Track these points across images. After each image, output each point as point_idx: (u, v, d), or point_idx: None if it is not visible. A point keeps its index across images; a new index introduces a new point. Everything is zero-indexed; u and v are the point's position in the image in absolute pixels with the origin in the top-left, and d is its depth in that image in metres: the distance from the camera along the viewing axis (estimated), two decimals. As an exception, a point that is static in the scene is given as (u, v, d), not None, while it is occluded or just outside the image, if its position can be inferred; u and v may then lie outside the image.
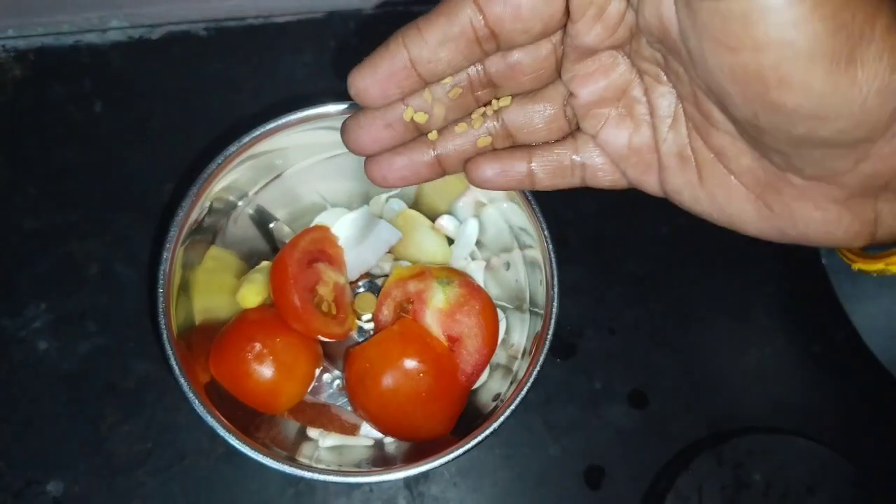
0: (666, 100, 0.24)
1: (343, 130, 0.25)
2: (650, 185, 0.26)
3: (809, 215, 0.22)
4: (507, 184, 0.27)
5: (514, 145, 0.27)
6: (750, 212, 0.24)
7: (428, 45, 0.23)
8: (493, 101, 0.26)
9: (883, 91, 0.18)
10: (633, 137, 0.25)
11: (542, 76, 0.25)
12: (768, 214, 0.23)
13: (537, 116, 0.26)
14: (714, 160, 0.23)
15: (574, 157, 0.26)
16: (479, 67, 0.24)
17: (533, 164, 0.26)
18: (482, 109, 0.26)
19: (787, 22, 0.17)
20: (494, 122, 0.26)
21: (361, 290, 0.40)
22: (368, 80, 0.23)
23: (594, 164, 0.26)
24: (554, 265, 0.34)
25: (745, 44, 0.18)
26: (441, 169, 0.26)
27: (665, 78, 0.23)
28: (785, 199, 0.23)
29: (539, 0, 0.22)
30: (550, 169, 0.27)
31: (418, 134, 0.26)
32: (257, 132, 0.34)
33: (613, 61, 0.24)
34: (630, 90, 0.25)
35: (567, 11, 0.22)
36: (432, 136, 0.26)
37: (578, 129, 0.26)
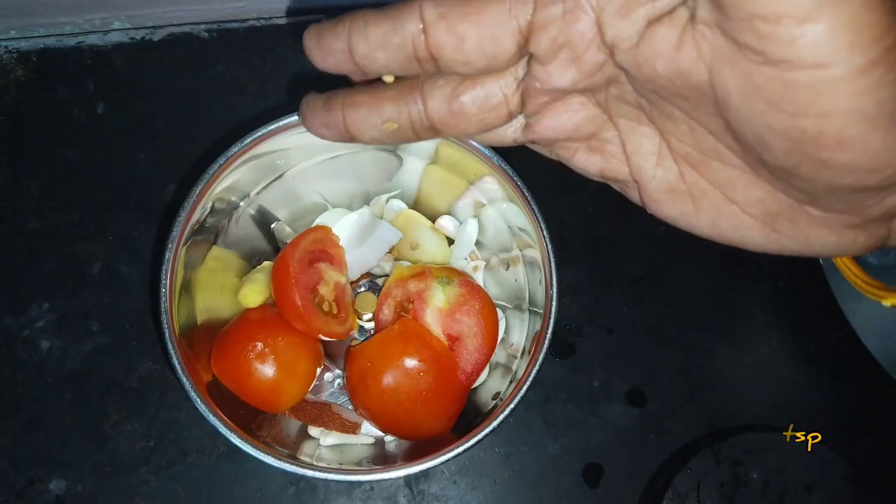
0: (649, 140, 0.23)
1: (300, 109, 0.26)
2: (633, 198, 0.25)
3: (825, 239, 0.22)
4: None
5: None
6: (756, 237, 0.23)
7: (368, 42, 0.22)
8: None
9: None
10: (604, 168, 0.25)
11: (491, 125, 0.24)
12: (777, 238, 0.23)
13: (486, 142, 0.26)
14: (714, 191, 0.23)
15: (549, 155, 0.26)
16: (421, 108, 0.23)
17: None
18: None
19: (858, 91, 0.17)
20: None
21: (362, 289, 0.40)
22: (314, 42, 0.23)
23: (573, 167, 0.26)
24: (553, 265, 0.35)
25: (807, 111, 0.17)
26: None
27: (647, 119, 0.23)
28: (799, 226, 0.22)
29: (485, 38, 0.21)
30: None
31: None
32: (259, 133, 0.35)
33: (582, 106, 0.23)
34: (600, 133, 0.24)
35: (519, 54, 0.21)
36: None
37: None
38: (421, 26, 0.21)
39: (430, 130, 0.24)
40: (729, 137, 0.21)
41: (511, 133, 0.25)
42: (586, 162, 0.25)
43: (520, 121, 0.24)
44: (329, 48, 0.23)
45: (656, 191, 0.24)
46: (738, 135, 0.20)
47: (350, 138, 0.25)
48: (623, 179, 0.24)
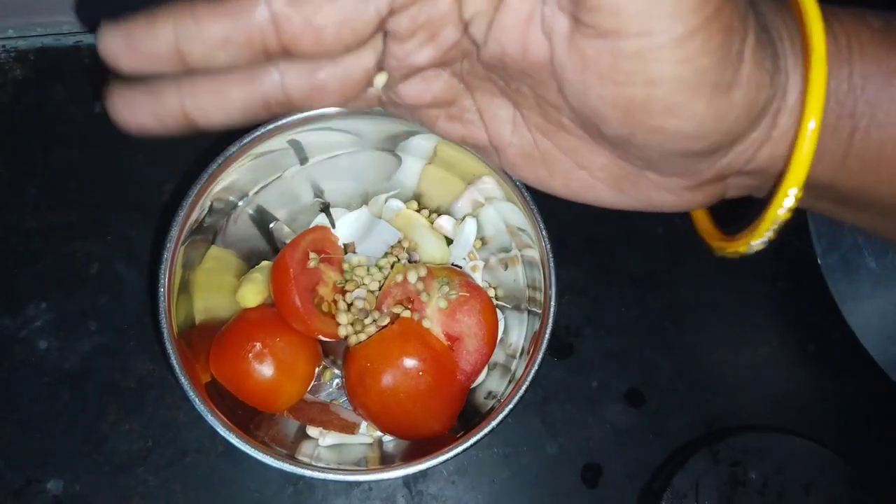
0: (504, 110, 0.24)
1: (108, 101, 0.21)
2: (494, 163, 0.27)
3: (665, 199, 0.24)
4: None
5: None
6: (606, 197, 0.25)
7: (204, 43, 0.19)
8: None
9: (750, 105, 0.19)
10: (465, 135, 0.25)
11: (351, 97, 0.23)
12: (624, 198, 0.25)
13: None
14: (565, 158, 0.24)
15: (413, 120, 0.26)
16: (277, 84, 0.21)
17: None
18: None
19: (680, 59, 0.18)
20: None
21: (361, 289, 0.40)
22: (121, 46, 0.19)
23: (436, 133, 0.26)
24: (552, 265, 0.35)
25: (635, 79, 0.19)
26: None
27: (500, 92, 0.23)
28: (641, 188, 0.24)
29: (344, 26, 0.20)
30: None
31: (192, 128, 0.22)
32: (258, 132, 0.34)
33: (438, 77, 0.23)
34: (458, 101, 0.24)
35: (377, 32, 0.21)
36: None
37: None
38: (270, 20, 0.19)
39: (287, 106, 0.22)
40: (569, 111, 0.22)
41: (371, 96, 0.24)
42: (448, 128, 0.25)
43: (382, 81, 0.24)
44: (148, 52, 0.19)
45: (514, 156, 0.25)
46: (576, 110, 0.21)
47: (188, 126, 0.22)
48: (483, 146, 0.25)
